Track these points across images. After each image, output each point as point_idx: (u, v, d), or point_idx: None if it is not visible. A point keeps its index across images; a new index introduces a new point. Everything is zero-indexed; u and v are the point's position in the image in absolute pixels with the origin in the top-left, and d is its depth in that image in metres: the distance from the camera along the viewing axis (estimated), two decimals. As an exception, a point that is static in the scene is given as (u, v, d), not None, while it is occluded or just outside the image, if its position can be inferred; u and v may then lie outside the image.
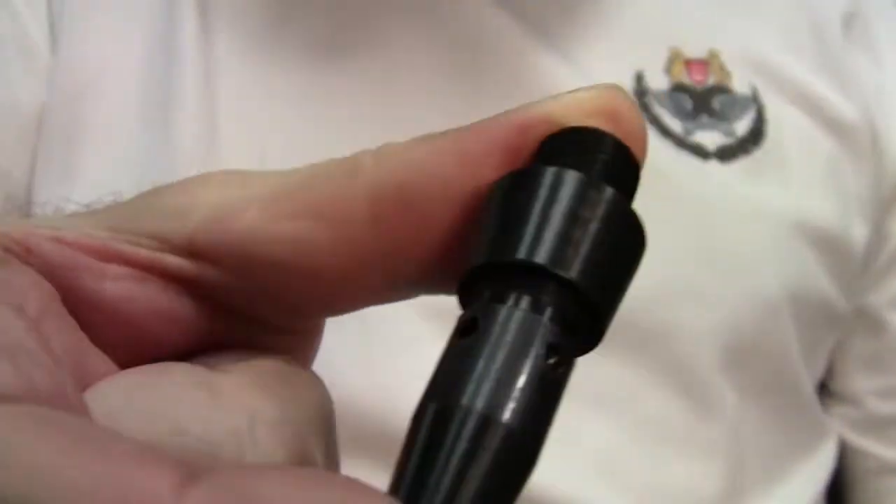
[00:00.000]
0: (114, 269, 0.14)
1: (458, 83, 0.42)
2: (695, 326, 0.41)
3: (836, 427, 0.56)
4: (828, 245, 0.45)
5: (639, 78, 0.44)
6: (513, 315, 0.13)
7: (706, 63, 0.45)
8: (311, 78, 0.42)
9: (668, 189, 0.42)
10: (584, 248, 0.14)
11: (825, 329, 0.48)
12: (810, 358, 0.47)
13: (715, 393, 0.42)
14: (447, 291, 0.15)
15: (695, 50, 0.45)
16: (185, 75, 0.41)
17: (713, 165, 0.43)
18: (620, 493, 0.40)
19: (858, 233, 0.47)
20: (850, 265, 0.47)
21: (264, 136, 0.41)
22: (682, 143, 0.43)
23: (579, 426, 0.41)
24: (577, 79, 0.43)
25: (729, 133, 0.44)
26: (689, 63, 0.45)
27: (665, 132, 0.43)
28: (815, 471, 0.49)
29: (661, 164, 0.43)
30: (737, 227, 0.43)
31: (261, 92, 0.42)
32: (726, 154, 0.44)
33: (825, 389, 0.55)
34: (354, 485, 0.10)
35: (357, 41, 0.42)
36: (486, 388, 0.13)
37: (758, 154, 0.45)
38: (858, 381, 0.54)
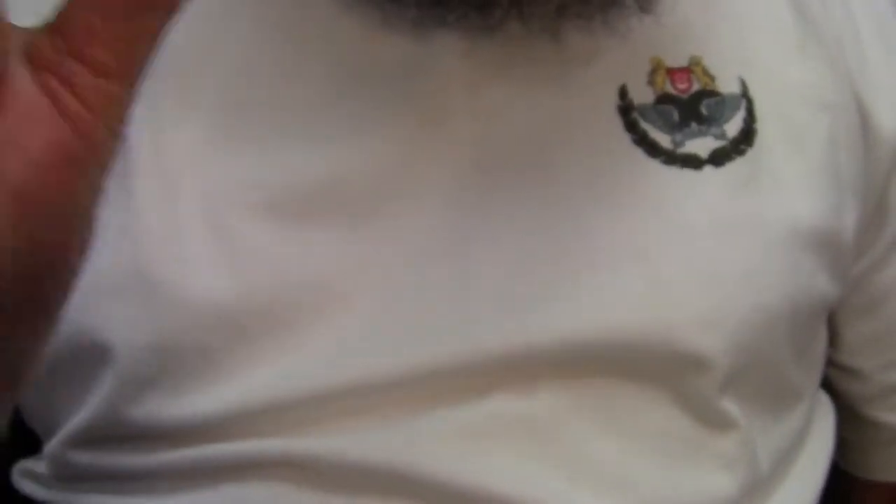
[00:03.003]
0: None
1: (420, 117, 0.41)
2: (700, 353, 0.40)
3: (848, 400, 0.57)
4: (824, 243, 0.45)
5: (622, 93, 0.43)
6: None
7: (689, 70, 0.44)
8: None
9: (663, 212, 0.41)
10: None
11: (817, 321, 0.48)
12: (802, 351, 0.47)
13: (721, 410, 0.42)
14: None
15: (676, 58, 0.44)
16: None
17: (708, 173, 0.43)
18: None
19: (850, 216, 0.47)
20: (845, 254, 0.47)
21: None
22: (672, 157, 0.42)
23: (586, 442, 0.41)
24: (559, 97, 0.43)
25: (720, 136, 0.43)
26: (671, 72, 0.44)
27: (654, 149, 0.42)
28: (818, 453, 0.49)
29: (652, 185, 0.42)
30: (736, 245, 0.42)
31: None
32: (720, 158, 0.43)
33: (831, 364, 0.55)
34: None
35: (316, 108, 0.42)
36: None
37: (751, 154, 0.44)
38: (863, 359, 0.54)
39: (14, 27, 0.21)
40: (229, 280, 0.40)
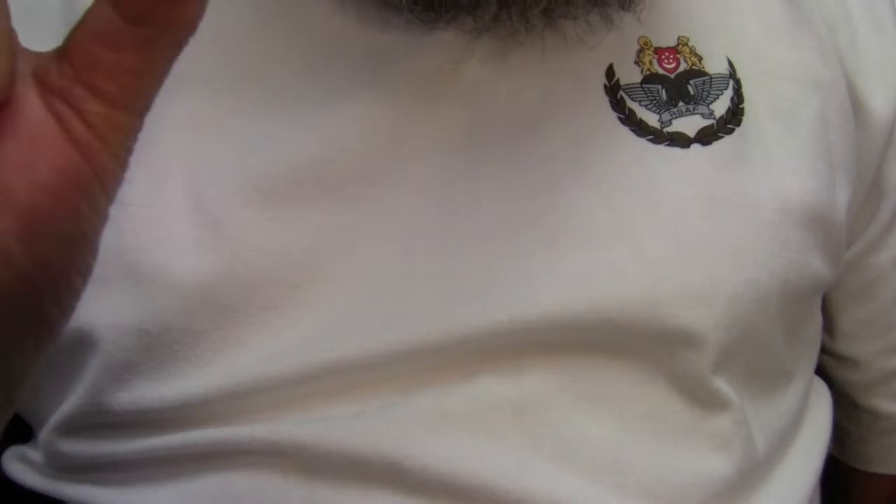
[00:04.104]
0: None
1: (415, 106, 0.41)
2: (690, 329, 0.40)
3: (845, 389, 0.56)
4: (816, 221, 0.44)
5: (610, 72, 0.43)
6: None
7: (676, 50, 0.44)
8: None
9: (651, 189, 0.41)
10: None
11: (809, 301, 0.48)
12: (794, 331, 0.46)
13: (714, 389, 0.42)
14: None
15: (664, 38, 0.44)
16: None
17: (695, 152, 0.42)
18: (626, 490, 0.40)
19: (842, 196, 0.46)
20: (837, 233, 0.46)
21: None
22: (659, 135, 0.42)
23: (578, 427, 0.40)
24: (546, 78, 0.43)
25: (708, 115, 0.43)
26: (658, 51, 0.44)
27: (641, 128, 0.42)
28: (814, 438, 0.49)
29: (640, 163, 0.42)
30: (725, 221, 0.42)
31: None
32: (708, 136, 0.43)
33: (828, 352, 0.54)
34: None
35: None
36: None
37: (739, 133, 0.43)
38: (860, 344, 0.54)
39: (24, 50, 0.21)
40: (214, 261, 0.39)
